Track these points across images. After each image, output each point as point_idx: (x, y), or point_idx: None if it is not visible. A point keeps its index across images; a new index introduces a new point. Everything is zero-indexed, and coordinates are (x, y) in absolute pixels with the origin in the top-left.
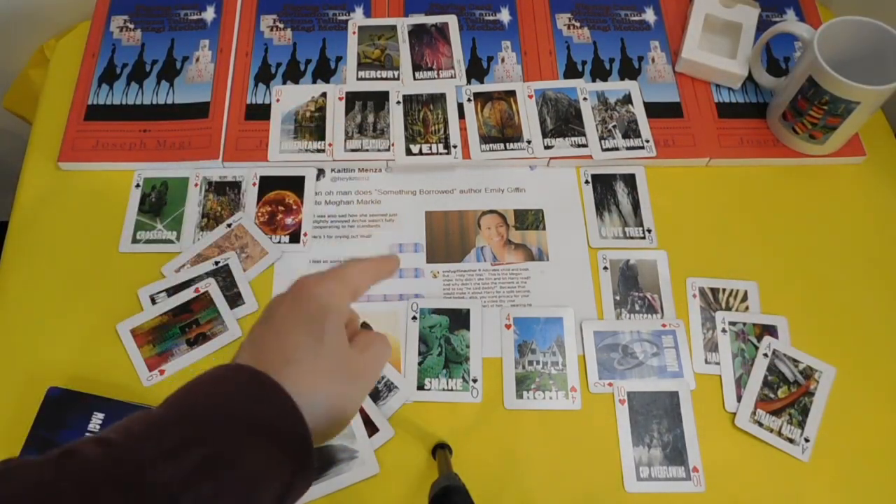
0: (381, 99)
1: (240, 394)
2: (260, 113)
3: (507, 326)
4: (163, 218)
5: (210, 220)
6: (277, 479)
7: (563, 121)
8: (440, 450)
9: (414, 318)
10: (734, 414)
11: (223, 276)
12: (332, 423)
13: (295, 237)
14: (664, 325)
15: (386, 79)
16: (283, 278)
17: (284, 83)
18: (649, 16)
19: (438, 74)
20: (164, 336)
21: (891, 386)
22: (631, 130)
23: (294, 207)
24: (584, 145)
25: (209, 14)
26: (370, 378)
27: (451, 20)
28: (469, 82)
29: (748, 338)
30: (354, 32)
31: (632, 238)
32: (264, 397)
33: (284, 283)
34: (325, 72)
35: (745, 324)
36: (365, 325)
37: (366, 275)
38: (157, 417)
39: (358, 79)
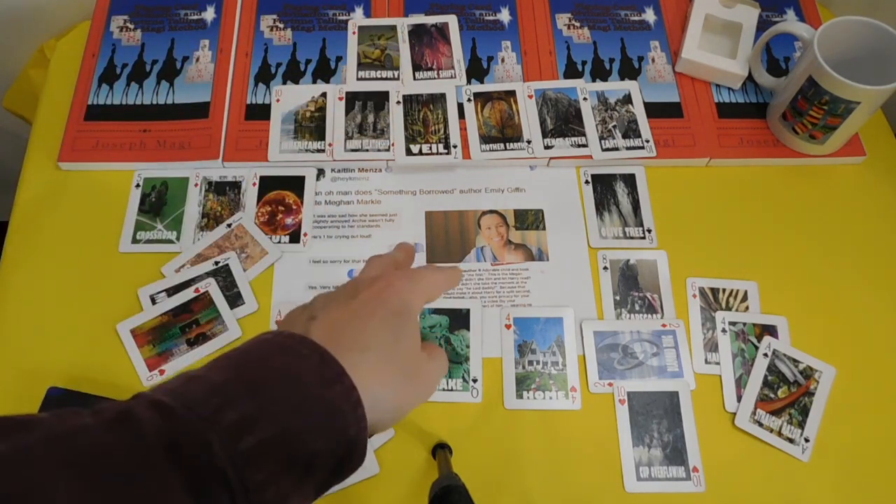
0: (381, 99)
1: (308, 375)
2: (260, 113)
3: (507, 326)
4: (163, 218)
5: (210, 220)
6: (327, 469)
7: (563, 121)
8: (440, 450)
9: None
10: (734, 414)
11: (223, 276)
12: (391, 419)
13: (295, 237)
14: (664, 325)
15: (386, 79)
16: (283, 278)
17: (284, 83)
18: (649, 16)
19: (438, 74)
20: (164, 336)
21: (891, 386)
22: (631, 130)
23: (294, 207)
24: (584, 145)
25: (209, 14)
26: (431, 385)
27: (451, 20)
28: (469, 82)
29: (748, 338)
30: (354, 32)
31: (632, 238)
32: (332, 382)
33: (285, 283)
34: (325, 72)
35: (745, 324)
36: None
37: (441, 284)
38: (219, 385)
39: (358, 79)
